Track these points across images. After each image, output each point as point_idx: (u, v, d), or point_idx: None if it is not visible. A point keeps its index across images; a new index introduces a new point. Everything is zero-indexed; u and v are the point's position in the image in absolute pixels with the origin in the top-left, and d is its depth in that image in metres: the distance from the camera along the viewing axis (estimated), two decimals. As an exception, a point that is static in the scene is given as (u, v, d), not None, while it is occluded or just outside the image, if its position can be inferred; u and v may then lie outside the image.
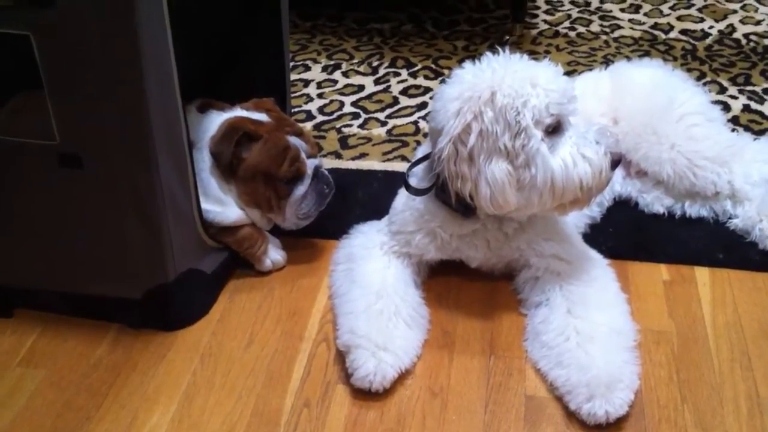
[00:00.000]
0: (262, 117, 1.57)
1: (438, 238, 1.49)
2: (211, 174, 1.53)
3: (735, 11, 2.63)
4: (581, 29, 2.57)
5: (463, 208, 1.41)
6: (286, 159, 1.52)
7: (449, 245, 1.49)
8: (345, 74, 2.36)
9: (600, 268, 1.50)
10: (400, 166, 1.91)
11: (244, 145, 1.51)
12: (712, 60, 2.36)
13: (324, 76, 2.36)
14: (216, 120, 1.56)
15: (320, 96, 2.25)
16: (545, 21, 2.63)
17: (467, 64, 1.39)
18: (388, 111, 2.17)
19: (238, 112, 1.59)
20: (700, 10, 2.66)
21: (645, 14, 2.66)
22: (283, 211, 1.55)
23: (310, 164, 1.55)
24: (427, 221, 1.48)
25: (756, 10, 2.64)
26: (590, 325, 1.36)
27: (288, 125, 1.58)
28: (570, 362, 1.33)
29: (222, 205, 1.54)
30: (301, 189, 1.54)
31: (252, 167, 1.51)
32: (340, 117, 2.15)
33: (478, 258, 1.51)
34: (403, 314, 1.43)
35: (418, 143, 2.00)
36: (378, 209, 1.67)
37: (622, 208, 1.74)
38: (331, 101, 2.22)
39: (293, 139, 1.55)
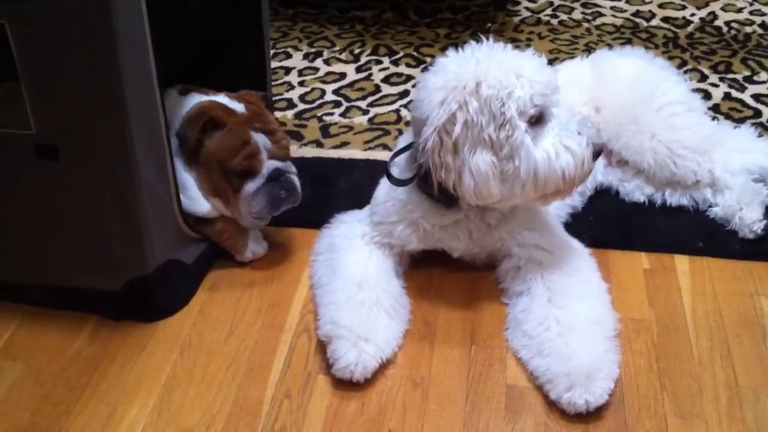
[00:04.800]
0: (239, 107, 1.55)
1: (420, 228, 1.48)
2: (176, 156, 1.50)
3: (716, -2, 2.64)
4: (563, 17, 2.57)
5: (445, 198, 1.40)
6: (241, 153, 1.49)
7: (431, 236, 1.49)
8: (326, 62, 2.35)
9: (582, 259, 1.50)
10: (381, 155, 1.90)
11: (208, 131, 1.49)
12: (694, 48, 2.36)
13: (305, 63, 2.34)
14: (193, 102, 1.54)
15: (301, 84, 2.24)
16: (527, 8, 2.63)
17: (451, 53, 1.38)
18: (370, 99, 2.16)
19: (220, 98, 1.57)
20: (681, -3, 2.66)
21: (627, 1, 2.66)
22: (237, 206, 1.52)
23: (270, 165, 1.52)
24: (409, 212, 1.47)
25: (737, -2, 2.65)
26: (571, 315, 1.37)
27: (260, 121, 1.55)
28: (550, 352, 1.33)
29: (183, 190, 1.51)
30: (251, 186, 1.50)
31: (210, 155, 1.49)
32: (321, 105, 2.14)
33: (460, 248, 1.51)
34: (384, 305, 1.43)
35: (400, 132, 1.99)
36: (360, 198, 1.66)
37: (604, 197, 1.75)
38: (313, 89, 2.21)
39: (258, 136, 1.51)
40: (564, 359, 1.30)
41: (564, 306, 1.39)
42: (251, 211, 1.52)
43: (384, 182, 1.51)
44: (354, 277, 1.46)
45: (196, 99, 1.56)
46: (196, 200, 1.52)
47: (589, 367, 1.28)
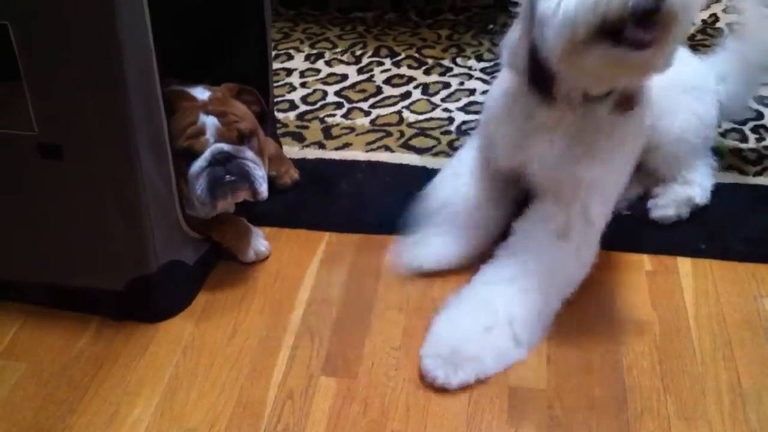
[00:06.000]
0: (203, 94, 1.52)
1: (514, 129, 1.45)
2: None
3: (718, 0, 2.64)
4: (565, 19, 2.57)
5: (541, 89, 1.34)
6: (184, 133, 1.45)
7: (522, 141, 1.44)
8: (328, 63, 2.35)
9: (580, 255, 1.46)
10: (383, 156, 1.90)
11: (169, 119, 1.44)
12: (695, 50, 2.36)
13: (307, 65, 2.34)
14: None
15: (303, 85, 2.24)
16: (529, 10, 2.63)
17: None
18: (372, 100, 2.16)
19: (196, 89, 1.54)
20: (683, -1, 2.66)
21: (628, 4, 2.66)
22: (187, 192, 1.47)
23: (216, 147, 1.46)
24: (507, 106, 1.46)
25: (739, 0, 2.65)
26: (505, 306, 1.39)
27: (215, 105, 1.50)
28: (456, 325, 1.39)
29: None
30: (194, 168, 1.45)
31: None
32: (323, 107, 2.14)
33: (543, 160, 1.44)
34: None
35: (402, 133, 1.99)
36: (362, 199, 1.67)
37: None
38: (315, 91, 2.21)
39: (207, 118, 1.47)
40: (454, 335, 1.37)
41: (512, 295, 1.40)
42: (195, 195, 1.46)
43: (496, 85, 1.52)
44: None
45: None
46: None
47: (465, 353, 1.34)
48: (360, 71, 2.30)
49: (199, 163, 1.45)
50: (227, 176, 1.46)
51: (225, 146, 1.47)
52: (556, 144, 1.42)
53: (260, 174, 1.49)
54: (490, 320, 1.37)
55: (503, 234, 1.51)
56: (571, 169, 1.42)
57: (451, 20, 2.58)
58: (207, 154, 1.45)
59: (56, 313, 1.50)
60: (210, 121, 1.47)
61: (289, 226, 1.69)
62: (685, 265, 1.59)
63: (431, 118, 2.07)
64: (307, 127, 2.04)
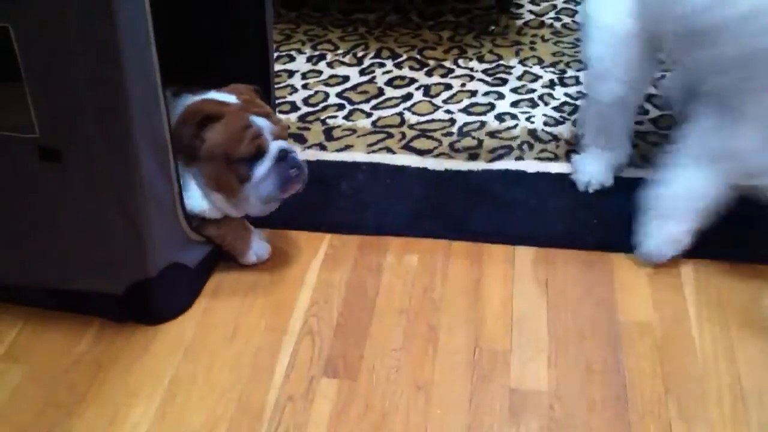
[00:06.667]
0: (231, 99, 1.53)
1: None
2: None
3: (720, 1, 2.64)
4: (567, 20, 2.57)
5: None
6: (246, 137, 1.46)
7: None
8: (330, 65, 2.34)
9: None
10: (385, 158, 1.90)
11: (207, 127, 1.47)
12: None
13: (309, 66, 2.34)
14: (186, 103, 1.52)
15: (305, 87, 2.24)
16: (530, 11, 2.62)
17: None
18: (374, 102, 2.16)
19: (210, 95, 1.55)
20: (685, 0, 2.66)
21: (630, 4, 2.65)
22: (246, 195, 1.50)
23: (276, 145, 1.49)
24: None
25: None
26: None
27: (256, 107, 1.53)
28: None
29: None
30: (261, 169, 1.48)
31: (212, 147, 1.46)
32: (325, 108, 2.14)
33: None
34: None
35: (403, 135, 1.99)
36: (363, 201, 1.67)
37: (607, 199, 1.74)
38: (316, 92, 2.21)
39: (257, 119, 1.49)
40: None
41: None
42: (262, 196, 1.49)
43: None
44: None
45: (189, 100, 1.54)
46: (195, 199, 1.52)
47: None
48: (362, 73, 2.30)
49: (266, 164, 1.48)
50: (292, 171, 1.50)
51: (283, 144, 1.51)
52: None
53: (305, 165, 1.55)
54: None
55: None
56: None
57: (453, 22, 2.57)
58: (272, 152, 1.49)
59: (57, 315, 1.50)
60: (262, 122, 1.50)
61: (289, 228, 1.69)
62: (685, 265, 1.59)
63: (433, 120, 2.07)
64: (308, 129, 2.04)
